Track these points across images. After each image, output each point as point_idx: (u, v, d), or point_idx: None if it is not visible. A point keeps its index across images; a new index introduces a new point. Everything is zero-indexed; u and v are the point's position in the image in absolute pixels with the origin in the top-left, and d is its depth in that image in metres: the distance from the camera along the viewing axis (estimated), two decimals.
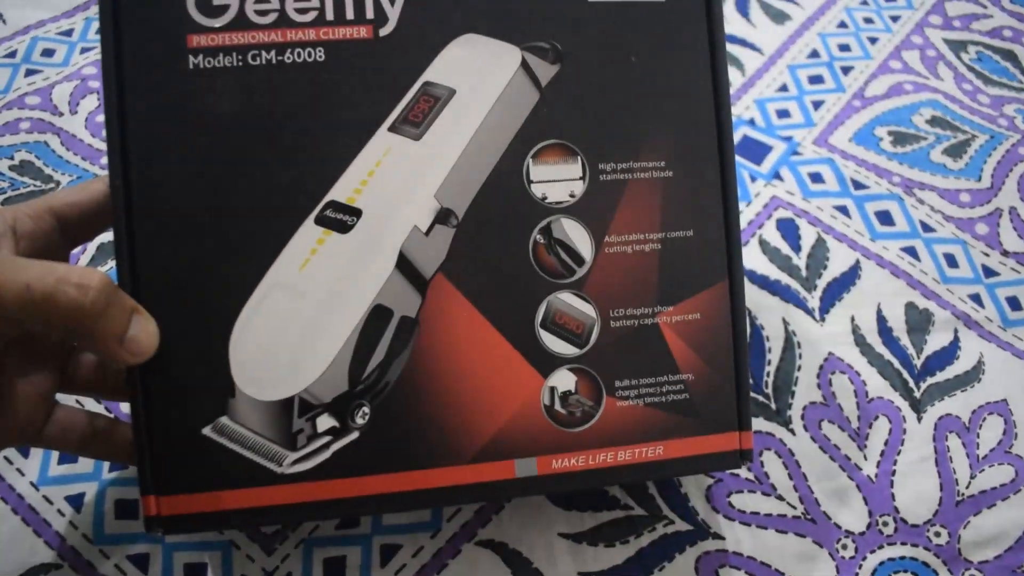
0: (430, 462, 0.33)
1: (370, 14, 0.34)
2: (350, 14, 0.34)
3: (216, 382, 0.32)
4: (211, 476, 0.32)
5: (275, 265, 0.33)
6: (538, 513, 0.42)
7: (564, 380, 0.34)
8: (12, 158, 0.53)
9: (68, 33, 0.61)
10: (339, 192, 0.33)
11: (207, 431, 0.32)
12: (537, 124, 0.34)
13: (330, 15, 0.33)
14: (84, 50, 0.60)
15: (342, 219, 0.33)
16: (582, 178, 0.35)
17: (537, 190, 0.34)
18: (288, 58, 0.33)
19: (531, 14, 0.35)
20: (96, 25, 0.62)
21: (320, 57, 0.33)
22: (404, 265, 0.33)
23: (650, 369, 0.35)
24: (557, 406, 0.34)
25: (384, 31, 0.34)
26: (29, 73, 0.58)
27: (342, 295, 0.33)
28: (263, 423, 0.32)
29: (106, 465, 0.43)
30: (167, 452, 0.32)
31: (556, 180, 0.34)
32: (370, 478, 0.33)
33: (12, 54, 0.59)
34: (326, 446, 0.33)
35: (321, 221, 0.33)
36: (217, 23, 0.33)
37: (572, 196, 0.35)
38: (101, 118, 0.55)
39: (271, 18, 0.33)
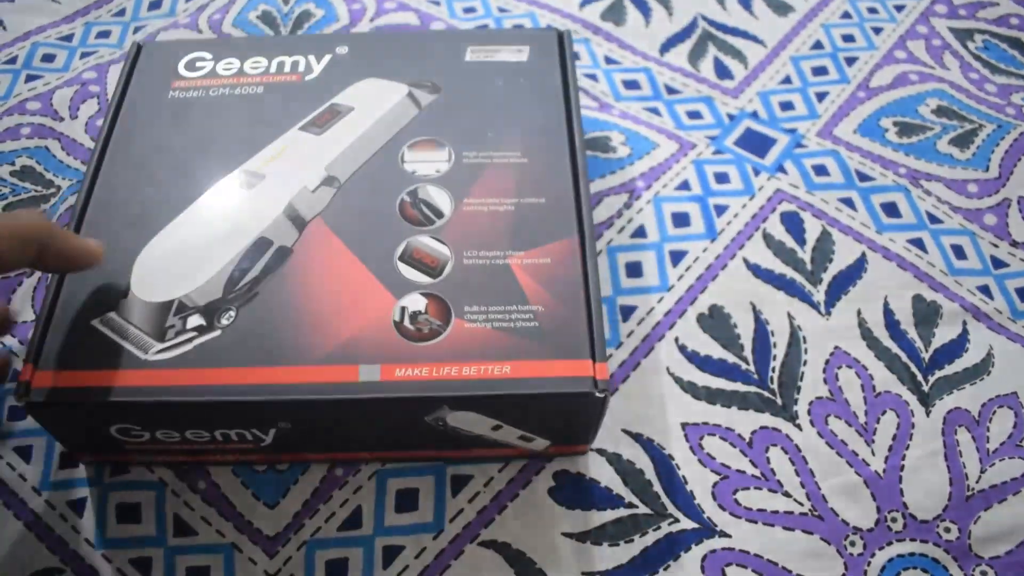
0: (280, 360, 0.37)
1: (301, 68, 0.48)
2: (287, 68, 0.48)
3: (115, 288, 0.39)
4: (85, 358, 0.37)
5: (187, 209, 0.42)
6: (541, 513, 0.42)
7: (415, 302, 0.39)
8: (13, 163, 0.53)
9: (68, 38, 0.61)
10: (250, 164, 0.44)
11: (94, 322, 0.38)
12: (417, 127, 0.45)
13: (272, 69, 0.48)
14: (84, 55, 0.60)
15: (249, 179, 0.43)
16: (447, 160, 0.44)
17: (409, 167, 0.44)
18: (237, 91, 0.47)
19: (421, 72, 0.48)
20: (96, 30, 0.62)
21: (259, 91, 0.47)
22: (289, 211, 0.42)
23: (499, 298, 0.39)
24: (406, 322, 0.39)
25: (309, 78, 0.48)
26: (30, 79, 0.58)
27: (234, 228, 0.41)
28: (143, 319, 0.38)
29: (107, 470, 0.42)
30: (56, 336, 0.38)
31: (426, 161, 0.44)
32: (224, 370, 0.37)
33: (13, 60, 0.59)
34: (189, 340, 0.38)
35: (231, 180, 0.43)
36: (194, 75, 0.48)
37: (438, 172, 0.44)
38: (100, 122, 0.55)
39: (232, 71, 0.48)
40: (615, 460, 0.43)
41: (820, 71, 0.60)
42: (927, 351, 0.47)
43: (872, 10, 0.64)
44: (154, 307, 0.39)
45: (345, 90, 0.47)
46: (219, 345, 0.38)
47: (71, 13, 0.63)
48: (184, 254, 0.40)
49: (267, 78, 0.48)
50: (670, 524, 0.42)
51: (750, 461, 0.43)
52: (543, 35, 0.50)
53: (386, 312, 0.39)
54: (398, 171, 0.44)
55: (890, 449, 0.44)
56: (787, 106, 0.57)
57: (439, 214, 0.42)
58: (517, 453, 0.42)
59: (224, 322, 0.38)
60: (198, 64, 0.49)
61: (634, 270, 0.49)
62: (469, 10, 0.63)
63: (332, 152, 0.44)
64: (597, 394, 0.37)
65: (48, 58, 0.60)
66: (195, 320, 0.38)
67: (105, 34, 0.62)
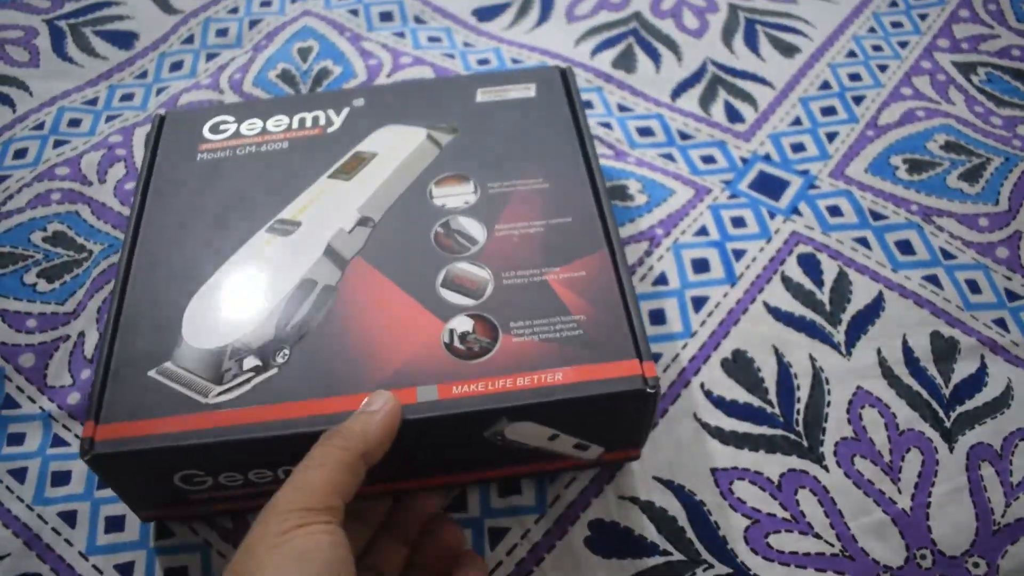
0: (339, 391, 0.39)
1: (321, 122, 0.50)
2: (308, 123, 0.50)
3: (167, 339, 0.41)
4: (146, 408, 0.38)
5: (229, 260, 0.44)
6: (578, 563, 0.43)
7: (462, 323, 0.41)
8: (45, 229, 0.55)
9: (93, 102, 0.63)
10: (286, 213, 0.46)
11: (151, 373, 0.40)
12: (441, 165, 0.48)
13: (295, 125, 0.50)
14: (109, 118, 0.62)
15: (285, 228, 0.45)
16: (474, 192, 0.46)
17: (438, 202, 0.46)
18: (263, 148, 0.49)
19: (436, 115, 0.50)
20: (120, 92, 0.64)
21: (284, 147, 0.49)
22: (329, 252, 0.44)
23: (542, 312, 0.41)
24: (456, 343, 0.40)
25: (330, 130, 0.50)
26: (57, 144, 0.60)
27: (279, 273, 0.43)
28: (199, 365, 0.40)
29: (152, 533, 0.43)
30: (115, 390, 0.39)
31: (454, 195, 0.46)
32: (284, 405, 0.38)
33: (40, 126, 0.61)
34: (247, 380, 0.39)
35: (270, 230, 0.45)
36: (220, 137, 0.50)
37: (467, 203, 0.46)
38: (130, 186, 0.56)
39: (256, 131, 0.50)
40: (648, 508, 0.44)
41: (829, 111, 0.61)
42: (947, 387, 0.48)
43: (877, 48, 0.65)
44: (209, 353, 0.40)
45: (367, 138, 0.49)
46: (277, 382, 0.39)
47: (95, 77, 0.65)
48: (232, 301, 0.42)
49: (290, 134, 0.50)
50: (704, 570, 0.42)
51: (780, 504, 0.44)
52: (547, 72, 0.53)
53: (435, 336, 0.40)
54: (429, 206, 0.45)
55: (916, 486, 0.45)
56: (798, 148, 0.59)
57: (473, 241, 0.44)
58: (572, 464, 0.44)
59: (279, 360, 0.40)
60: (222, 127, 0.50)
61: (657, 317, 0.50)
62: (483, 62, 0.65)
63: (363, 195, 0.46)
64: (648, 390, 0.38)
65: (74, 123, 0.61)
66: (251, 361, 0.40)
67: (129, 96, 0.63)
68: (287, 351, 0.40)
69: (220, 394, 0.39)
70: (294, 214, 0.45)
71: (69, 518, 0.44)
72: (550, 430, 0.40)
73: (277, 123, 0.50)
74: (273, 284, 0.42)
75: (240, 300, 0.42)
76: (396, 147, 0.48)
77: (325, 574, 0.30)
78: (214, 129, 0.50)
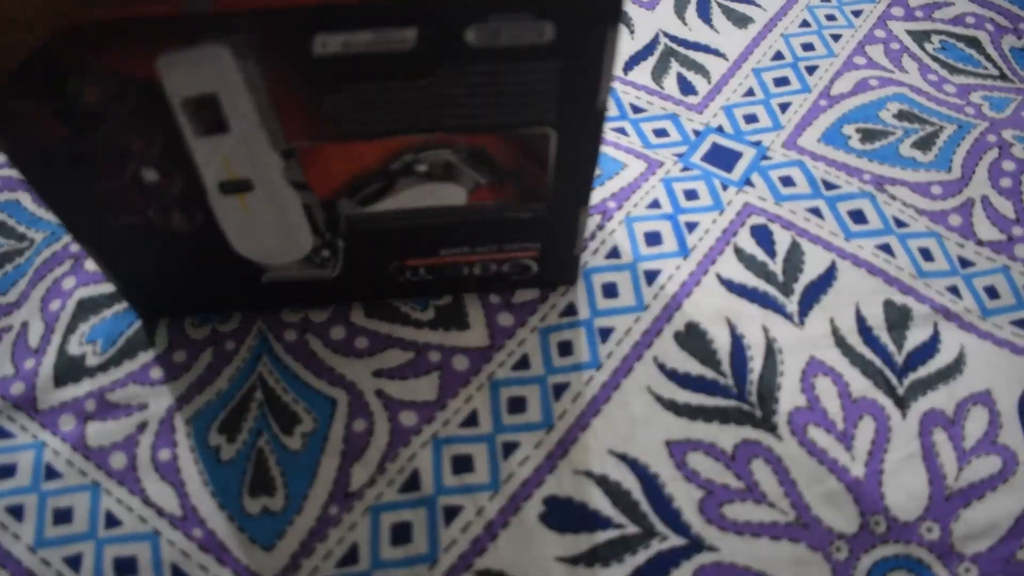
0: None
1: None
2: None
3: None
4: None
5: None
6: (532, 539, 0.42)
7: None
8: None
9: None
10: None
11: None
12: None
13: None
14: None
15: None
16: None
17: None
18: None
19: None
20: None
21: None
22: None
23: None
24: None
25: None
26: None
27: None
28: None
29: (101, 523, 0.43)
30: None
31: None
32: None
33: None
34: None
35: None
36: None
37: None
38: None
39: None
40: (602, 482, 0.44)
41: (782, 82, 0.61)
42: (900, 354, 0.48)
43: (830, 17, 0.65)
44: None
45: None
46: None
47: None
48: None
49: None
50: (660, 542, 0.42)
51: (734, 475, 0.44)
52: None
53: None
54: None
55: (869, 454, 0.45)
56: (751, 119, 0.58)
57: None
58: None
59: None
60: None
61: (610, 291, 0.50)
62: None
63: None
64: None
65: None
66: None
67: None
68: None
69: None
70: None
71: (16, 512, 0.43)
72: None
73: None
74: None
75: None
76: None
77: None
78: None
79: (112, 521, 0.43)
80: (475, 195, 0.42)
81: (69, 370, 0.47)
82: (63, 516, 0.43)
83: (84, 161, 0.37)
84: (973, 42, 0.63)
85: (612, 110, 0.59)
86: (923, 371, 0.48)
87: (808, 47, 0.63)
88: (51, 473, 0.44)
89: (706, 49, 0.63)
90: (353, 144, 0.38)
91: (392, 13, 0.32)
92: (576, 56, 0.35)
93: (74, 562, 0.42)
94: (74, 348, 0.48)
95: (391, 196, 0.42)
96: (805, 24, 0.64)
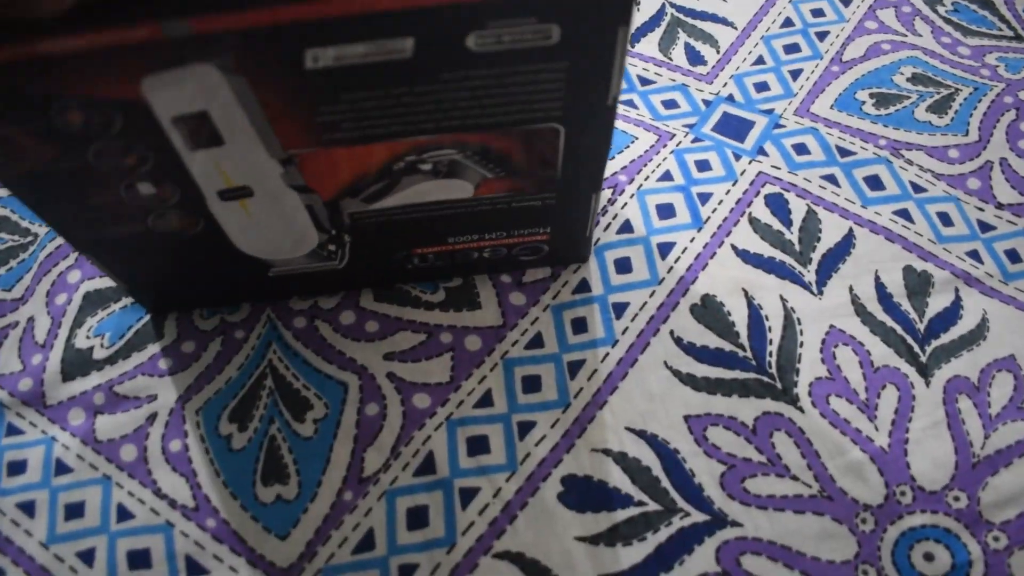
0: None
1: None
2: None
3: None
4: None
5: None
6: (552, 519, 0.42)
7: None
8: None
9: None
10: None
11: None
12: None
13: None
14: None
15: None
16: None
17: None
18: None
19: None
20: None
21: None
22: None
23: None
24: None
25: None
26: None
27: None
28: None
29: (113, 517, 0.42)
30: None
31: None
32: None
33: None
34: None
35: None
36: None
37: None
38: None
39: None
40: (621, 459, 0.43)
41: (792, 48, 0.59)
42: (922, 321, 0.47)
43: None
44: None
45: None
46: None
47: None
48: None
49: None
50: (681, 519, 0.42)
51: (755, 448, 0.43)
52: None
53: None
54: None
55: (893, 423, 0.44)
56: (762, 87, 0.57)
57: None
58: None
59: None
60: None
61: (623, 266, 0.49)
62: None
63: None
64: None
65: None
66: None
67: None
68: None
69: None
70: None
71: (27, 509, 0.43)
72: None
73: None
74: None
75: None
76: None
77: None
78: None
79: (124, 514, 0.42)
80: (482, 188, 0.41)
81: (77, 364, 0.47)
82: (75, 511, 0.43)
83: (76, 179, 0.36)
84: (987, 3, 0.62)
85: None
86: (945, 338, 0.46)
87: (818, 13, 0.62)
88: (62, 468, 0.44)
89: (714, 18, 0.62)
90: (351, 151, 0.37)
91: (384, 25, 0.31)
92: (585, 55, 0.33)
93: (87, 557, 0.41)
94: (81, 342, 0.48)
95: (395, 194, 0.40)
96: None
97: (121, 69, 0.31)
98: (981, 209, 0.51)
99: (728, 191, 0.52)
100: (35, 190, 0.36)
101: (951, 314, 0.47)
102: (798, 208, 0.51)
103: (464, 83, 0.34)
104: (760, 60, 0.59)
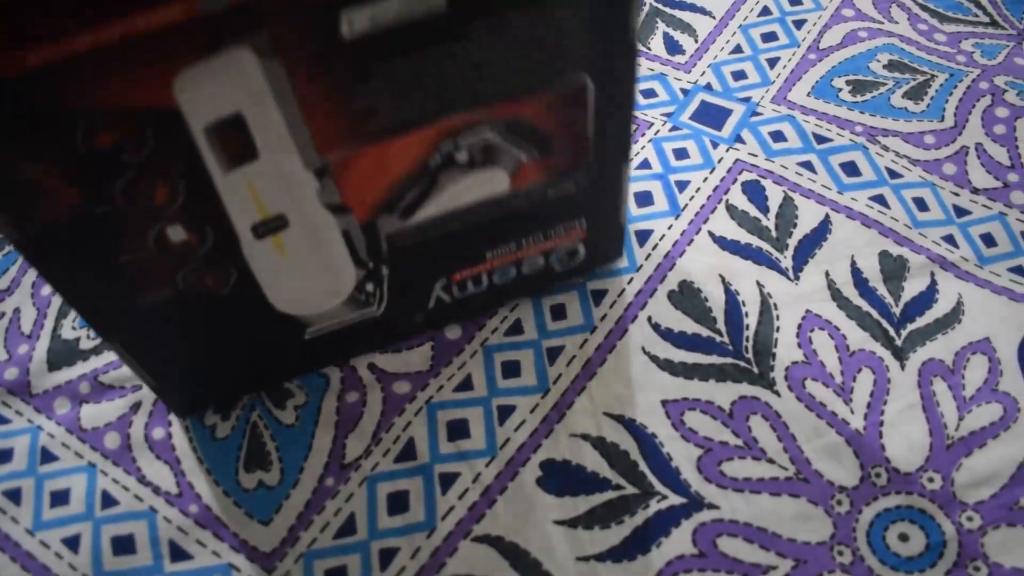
0: None
1: None
2: None
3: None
4: None
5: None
6: (531, 503, 0.42)
7: None
8: None
9: None
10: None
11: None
12: None
13: None
14: None
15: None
16: None
17: None
18: None
19: None
20: None
21: None
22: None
23: None
24: None
25: None
26: None
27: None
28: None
29: (98, 503, 0.43)
30: None
31: None
32: None
33: None
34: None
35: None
36: None
37: None
38: None
39: None
40: (599, 444, 0.44)
41: (770, 37, 0.60)
42: (897, 305, 0.48)
43: None
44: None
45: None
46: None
47: None
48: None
49: None
50: (659, 502, 0.42)
51: (732, 432, 0.44)
52: None
53: None
54: None
55: (868, 406, 0.44)
56: (740, 75, 0.58)
57: None
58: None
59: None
60: None
61: None
62: None
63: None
64: None
65: None
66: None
67: None
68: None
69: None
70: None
71: (13, 496, 0.43)
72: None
73: None
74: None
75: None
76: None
77: None
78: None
79: (109, 501, 0.43)
80: (518, 178, 0.41)
81: (63, 354, 0.47)
82: (60, 498, 0.43)
83: (102, 230, 0.34)
84: None
85: None
86: (921, 321, 0.47)
87: (795, 1, 0.62)
88: (47, 456, 0.44)
89: (692, 8, 0.62)
90: (386, 150, 0.36)
91: None
92: None
93: (72, 543, 0.42)
94: (67, 332, 0.48)
95: (434, 197, 0.40)
96: None
97: (154, 64, 0.30)
98: (956, 194, 0.52)
99: (705, 179, 0.52)
100: (57, 248, 0.34)
101: (926, 298, 0.48)
102: (775, 195, 0.52)
103: (496, 38, 0.34)
104: (738, 49, 0.59)
